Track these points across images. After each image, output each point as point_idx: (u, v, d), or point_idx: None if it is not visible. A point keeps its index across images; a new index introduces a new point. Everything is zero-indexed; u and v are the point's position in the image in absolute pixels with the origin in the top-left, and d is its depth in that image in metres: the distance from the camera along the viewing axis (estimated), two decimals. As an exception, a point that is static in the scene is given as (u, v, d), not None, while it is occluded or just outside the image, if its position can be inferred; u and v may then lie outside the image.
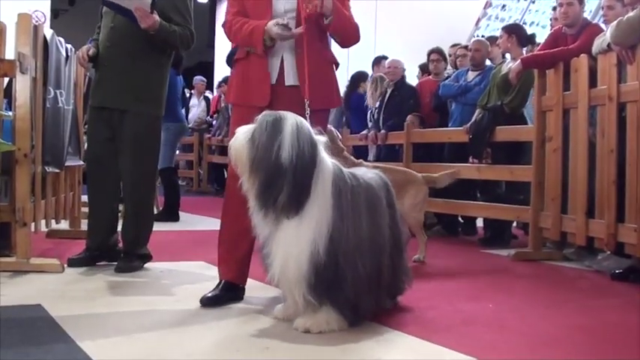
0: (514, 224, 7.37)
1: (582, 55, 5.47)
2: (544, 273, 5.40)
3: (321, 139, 3.08)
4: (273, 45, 3.70)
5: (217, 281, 3.86)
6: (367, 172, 3.45)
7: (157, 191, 8.85)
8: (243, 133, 3.04)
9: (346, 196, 3.06)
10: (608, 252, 5.36)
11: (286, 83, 3.78)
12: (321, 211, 2.98)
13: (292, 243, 2.98)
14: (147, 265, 4.90)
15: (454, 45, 9.08)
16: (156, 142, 5.00)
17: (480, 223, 7.75)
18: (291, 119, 3.01)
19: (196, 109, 14.20)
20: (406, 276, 3.69)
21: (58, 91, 5.39)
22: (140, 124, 4.80)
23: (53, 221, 5.85)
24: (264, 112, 3.08)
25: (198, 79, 14.31)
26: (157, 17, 4.65)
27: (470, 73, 7.64)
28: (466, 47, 8.26)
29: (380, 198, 3.33)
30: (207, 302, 3.69)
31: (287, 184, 2.92)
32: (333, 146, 5.16)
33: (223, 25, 3.95)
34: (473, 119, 6.92)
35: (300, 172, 2.93)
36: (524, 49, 7.10)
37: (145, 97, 4.83)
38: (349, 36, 3.89)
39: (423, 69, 9.51)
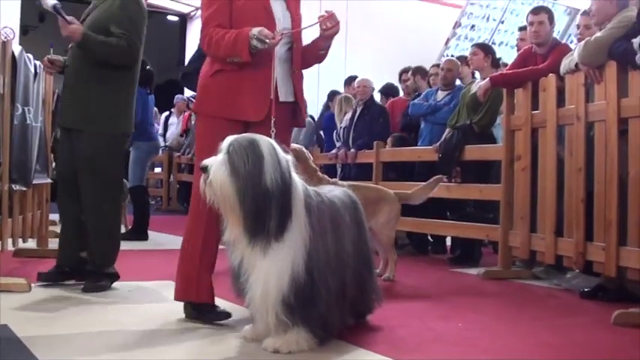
0: (485, 241, 7.38)
1: (550, 74, 5.52)
2: (513, 291, 5.41)
3: (290, 158, 3.05)
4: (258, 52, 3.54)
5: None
6: (333, 190, 3.45)
7: (124, 209, 8.86)
8: (219, 166, 2.91)
9: (314, 213, 3.05)
10: (577, 270, 5.39)
11: (280, 99, 3.73)
12: (299, 230, 2.96)
13: (274, 264, 2.94)
14: (115, 284, 4.85)
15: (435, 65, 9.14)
16: (114, 160, 4.89)
17: (449, 241, 7.77)
18: (265, 142, 2.96)
19: (175, 127, 14.14)
20: (376, 294, 3.69)
21: (26, 108, 5.33)
22: (95, 143, 4.74)
23: (20, 240, 5.78)
24: (234, 137, 2.98)
25: (179, 98, 14.24)
26: (75, 26, 4.59)
27: (439, 92, 7.70)
28: (438, 66, 8.30)
29: (343, 215, 3.32)
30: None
31: (274, 210, 2.88)
32: (306, 166, 5.16)
33: (201, 39, 3.76)
34: (442, 138, 6.94)
35: (283, 196, 2.90)
36: (493, 69, 7.17)
37: (100, 117, 4.75)
38: (324, 57, 3.97)
39: (384, 92, 9.57)
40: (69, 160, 4.86)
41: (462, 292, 5.30)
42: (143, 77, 8.59)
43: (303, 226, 2.97)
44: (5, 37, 5.19)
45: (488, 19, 14.58)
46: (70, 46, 4.86)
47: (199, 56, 5.92)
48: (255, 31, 3.47)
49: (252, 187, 2.87)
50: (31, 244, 6.38)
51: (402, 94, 9.52)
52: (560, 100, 5.39)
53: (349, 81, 10.30)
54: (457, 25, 14.22)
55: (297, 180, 3.05)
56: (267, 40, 3.46)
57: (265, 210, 2.87)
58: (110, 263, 4.90)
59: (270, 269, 2.94)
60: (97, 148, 4.74)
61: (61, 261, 4.92)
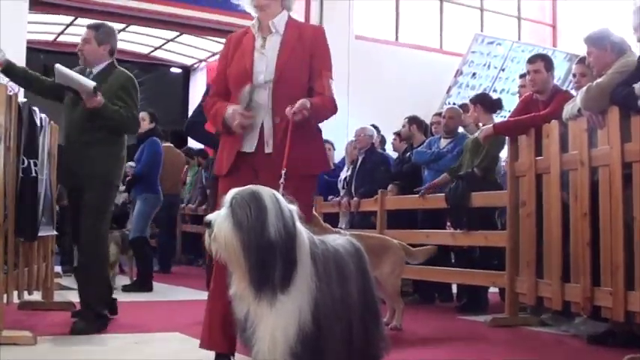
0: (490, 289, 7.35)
1: (553, 120, 5.55)
2: (521, 339, 5.38)
3: (294, 208, 3.05)
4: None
5: (192, 352, 3.81)
6: (337, 239, 3.43)
7: (128, 261, 8.86)
8: (223, 220, 2.89)
9: (320, 262, 3.03)
10: (585, 316, 5.35)
11: (265, 151, 3.83)
12: (305, 280, 2.93)
13: (281, 316, 2.91)
14: (121, 335, 4.84)
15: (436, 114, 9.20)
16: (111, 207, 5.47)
17: (455, 288, 7.73)
18: (268, 193, 2.95)
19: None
20: (383, 342, 3.65)
21: (32, 161, 5.35)
22: (102, 193, 5.27)
23: (26, 292, 5.76)
24: (237, 190, 2.96)
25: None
26: (100, 98, 5.05)
27: (442, 140, 7.73)
28: (440, 114, 8.35)
29: (348, 263, 3.29)
30: None
31: (279, 262, 2.86)
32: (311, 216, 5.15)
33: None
34: (430, 183, 7.00)
35: (287, 247, 2.87)
36: (494, 115, 7.22)
37: (108, 171, 5.30)
38: (325, 117, 3.96)
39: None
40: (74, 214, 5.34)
41: (469, 340, 5.27)
42: (157, 131, 8.74)
43: (309, 275, 2.95)
44: (10, 91, 5.24)
45: (489, 66, 14.66)
46: (69, 118, 5.32)
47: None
48: (227, 114, 3.77)
49: (257, 240, 2.84)
50: (37, 296, 6.36)
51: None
52: (564, 146, 5.41)
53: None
54: (459, 73, 14.30)
55: (302, 230, 3.03)
56: (232, 127, 3.77)
57: (270, 262, 2.85)
58: (105, 302, 5.26)
59: (277, 321, 2.91)
60: (104, 198, 5.27)
61: None
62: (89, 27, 5.45)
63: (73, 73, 5.12)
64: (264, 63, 3.89)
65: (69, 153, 5.38)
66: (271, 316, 2.91)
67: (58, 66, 5.12)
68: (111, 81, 5.33)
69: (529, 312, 6.20)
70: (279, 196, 2.98)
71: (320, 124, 4.03)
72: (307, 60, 3.90)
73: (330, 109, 3.92)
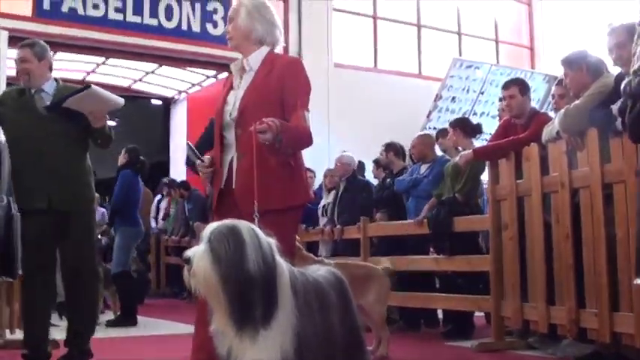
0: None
1: (533, 144, 5.56)
2: (508, 363, 5.36)
3: (272, 241, 3.01)
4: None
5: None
6: (318, 269, 3.40)
7: (111, 295, 8.80)
8: (201, 256, 2.85)
9: (301, 294, 3.00)
10: (571, 338, 5.34)
11: (234, 186, 3.86)
12: (286, 313, 2.89)
13: (263, 351, 2.86)
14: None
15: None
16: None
17: (440, 314, 7.71)
18: (245, 227, 2.92)
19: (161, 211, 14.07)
20: (369, 373, 3.62)
21: (10, 198, 5.30)
22: (89, 217, 5.16)
23: (7, 331, 5.70)
24: (215, 225, 2.93)
25: (164, 182, 14.16)
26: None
27: (423, 166, 7.74)
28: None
29: (329, 294, 3.26)
30: None
31: (259, 296, 2.82)
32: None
33: None
34: (424, 211, 6.96)
35: (267, 280, 2.84)
36: (473, 139, 7.24)
37: (87, 191, 5.15)
38: (299, 147, 3.91)
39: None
40: (44, 242, 4.89)
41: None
42: (135, 164, 8.68)
43: (290, 309, 2.92)
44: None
45: (468, 90, 14.72)
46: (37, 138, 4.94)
47: (204, 140, 6.05)
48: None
49: (236, 274, 2.80)
50: (19, 335, 6.27)
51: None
52: (544, 168, 5.42)
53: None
54: (438, 97, 14.34)
55: (282, 262, 2.99)
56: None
57: (250, 296, 2.82)
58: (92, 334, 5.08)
59: (259, 356, 2.88)
60: (91, 221, 5.14)
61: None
62: (22, 46, 5.12)
63: (104, 92, 4.96)
64: (233, 101, 3.91)
65: (42, 172, 4.94)
66: (253, 351, 2.88)
67: (94, 88, 4.88)
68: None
69: (515, 335, 6.18)
70: (257, 229, 2.95)
71: (300, 153, 3.99)
72: (277, 94, 3.82)
73: (305, 138, 3.83)
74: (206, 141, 5.31)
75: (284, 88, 3.83)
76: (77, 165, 5.05)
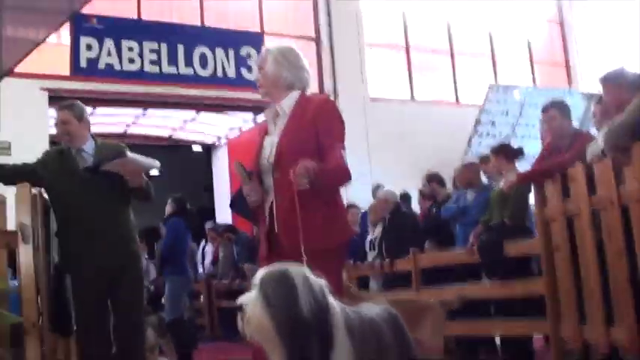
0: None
1: (577, 164, 5.50)
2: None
3: (323, 283, 3.00)
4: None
5: None
6: (372, 308, 3.37)
7: (167, 344, 8.82)
8: (254, 302, 2.86)
9: (357, 335, 2.97)
10: (634, 357, 5.22)
11: (276, 230, 3.86)
12: (342, 355, 2.88)
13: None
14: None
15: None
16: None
17: (498, 340, 7.59)
18: (296, 271, 2.91)
19: (207, 254, 14.13)
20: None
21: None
22: (139, 272, 5.26)
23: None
24: (265, 270, 2.94)
25: (209, 226, 14.22)
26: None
27: (469, 193, 7.68)
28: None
29: (385, 332, 3.24)
30: None
31: (314, 339, 2.81)
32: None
33: None
34: (472, 238, 6.90)
35: (321, 323, 2.82)
36: (516, 163, 7.18)
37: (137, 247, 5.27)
38: (337, 185, 3.95)
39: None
40: (95, 301, 4.97)
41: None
42: (182, 213, 8.76)
43: (346, 350, 2.90)
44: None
45: (507, 113, 14.65)
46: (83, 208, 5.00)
47: None
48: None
49: (289, 318, 2.80)
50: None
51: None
52: (591, 188, 5.35)
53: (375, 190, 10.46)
54: (478, 122, 14.32)
55: (335, 304, 2.98)
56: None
57: (305, 340, 2.80)
58: None
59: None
60: (139, 275, 5.21)
61: None
62: (62, 108, 5.22)
63: (138, 157, 5.05)
64: (270, 147, 3.93)
65: (87, 234, 4.96)
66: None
67: (129, 154, 4.98)
68: (111, 155, 5.08)
69: (577, 358, 6.05)
70: (307, 272, 2.94)
71: (343, 190, 3.98)
72: (312, 136, 3.83)
73: (343, 175, 3.84)
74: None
75: (318, 129, 3.83)
76: (121, 222, 5.12)
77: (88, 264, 4.92)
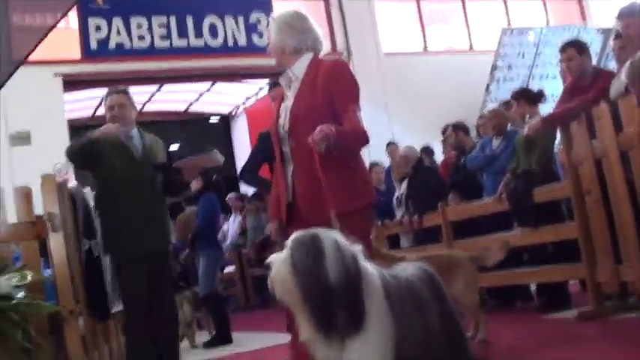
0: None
1: (602, 102, 5.41)
2: (613, 330, 5.23)
3: (357, 249, 2.98)
4: None
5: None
6: (407, 269, 3.34)
7: (204, 318, 8.89)
8: (282, 263, 2.88)
9: (395, 299, 2.95)
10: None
11: (295, 200, 3.91)
12: (380, 322, 2.85)
13: (361, 358, 2.84)
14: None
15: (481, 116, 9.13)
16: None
17: (533, 286, 7.56)
18: (327, 236, 2.89)
19: (232, 225, 14.16)
20: (473, 364, 3.56)
21: (92, 242, 5.40)
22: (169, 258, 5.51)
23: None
24: (297, 234, 2.94)
25: (232, 197, 14.25)
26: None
27: (494, 140, 7.59)
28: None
29: (423, 291, 3.20)
30: None
31: (342, 306, 2.80)
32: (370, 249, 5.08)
33: None
34: (501, 186, 6.83)
35: (350, 290, 2.81)
36: (538, 106, 7.09)
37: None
38: (356, 148, 3.88)
39: (448, 145, 9.52)
40: (145, 285, 5.08)
41: (560, 341, 5.10)
42: (213, 185, 8.79)
43: (384, 315, 2.88)
44: (59, 175, 5.31)
45: (523, 55, 14.52)
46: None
47: (254, 153, 6.09)
48: None
49: (314, 285, 2.79)
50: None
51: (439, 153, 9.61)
52: (618, 126, 5.27)
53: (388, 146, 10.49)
54: (494, 68, 14.19)
55: (370, 269, 2.95)
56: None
57: (330, 308, 2.78)
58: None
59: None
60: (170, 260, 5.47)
61: None
62: (117, 92, 5.37)
63: (216, 154, 5.26)
64: (284, 113, 3.91)
65: (141, 220, 5.12)
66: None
67: (214, 153, 5.24)
68: (152, 146, 5.37)
69: (615, 299, 6.01)
70: (339, 238, 2.92)
71: (364, 149, 3.94)
72: (325, 100, 3.79)
73: (360, 137, 3.80)
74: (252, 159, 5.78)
75: (331, 93, 3.79)
76: (163, 208, 5.33)
77: (138, 249, 5.05)
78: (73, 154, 5.07)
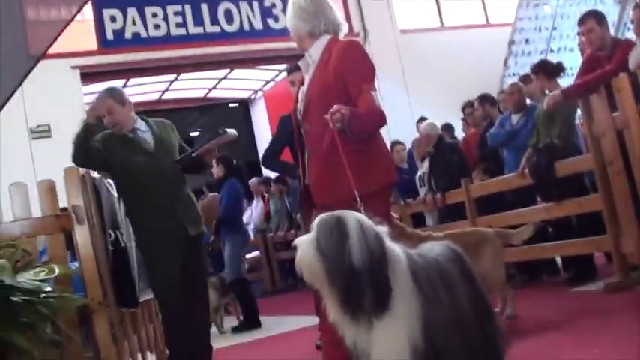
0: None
1: (621, 73, 5.37)
2: (640, 300, 5.21)
3: (382, 230, 2.98)
4: None
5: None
6: (434, 248, 3.34)
7: (232, 303, 8.94)
8: (307, 245, 2.89)
9: (422, 279, 2.96)
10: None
11: (306, 182, 3.95)
12: (408, 301, 2.86)
13: (390, 341, 2.85)
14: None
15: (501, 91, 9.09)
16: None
17: (559, 260, 7.55)
18: (351, 218, 2.89)
19: (255, 210, 14.19)
20: (502, 340, 3.56)
21: (117, 232, 5.44)
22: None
23: (140, 357, 5.82)
24: (323, 216, 2.95)
25: (255, 182, 14.28)
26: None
27: (513, 116, 7.54)
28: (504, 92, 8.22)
29: (450, 271, 3.19)
30: None
31: (367, 287, 2.81)
32: (394, 229, 5.06)
33: None
34: (523, 162, 6.78)
35: (376, 271, 2.82)
36: (557, 79, 7.04)
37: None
38: (373, 129, 3.79)
39: (465, 121, 9.48)
40: (180, 268, 5.08)
41: (588, 313, 5.12)
42: (235, 171, 8.82)
43: (411, 296, 2.88)
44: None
45: (540, 29, 14.42)
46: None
47: (275, 139, 6.11)
48: None
49: (339, 266, 2.80)
50: (152, 359, 6.42)
51: (460, 130, 9.61)
52: (638, 96, 5.23)
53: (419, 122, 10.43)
54: (511, 43, 14.10)
55: (396, 250, 2.95)
56: None
57: (356, 289, 2.80)
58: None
59: (387, 346, 2.86)
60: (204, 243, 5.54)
61: None
62: (104, 96, 5.18)
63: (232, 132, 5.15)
64: (302, 96, 3.91)
65: (172, 206, 5.11)
66: (377, 341, 2.86)
67: (230, 132, 5.11)
68: (162, 133, 5.27)
69: (641, 270, 6.00)
70: (364, 220, 2.92)
71: (386, 128, 3.90)
72: (338, 82, 3.74)
73: (376, 119, 3.73)
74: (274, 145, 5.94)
75: (344, 74, 3.74)
76: (187, 193, 5.27)
77: (168, 238, 5.04)
78: (77, 158, 5.03)
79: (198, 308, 5.24)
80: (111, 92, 5.22)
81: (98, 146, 5.03)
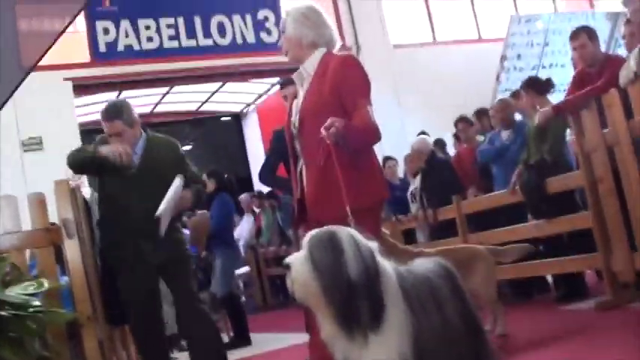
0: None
1: (612, 90, 5.38)
2: (633, 319, 5.19)
3: (373, 245, 2.97)
4: None
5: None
6: (423, 264, 3.33)
7: (223, 319, 8.89)
8: (301, 264, 2.85)
9: (412, 295, 2.94)
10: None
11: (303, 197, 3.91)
12: (398, 317, 2.85)
13: (382, 357, 2.84)
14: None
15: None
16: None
17: (549, 278, 7.53)
18: (344, 233, 2.89)
19: (245, 225, 14.12)
20: (493, 357, 3.54)
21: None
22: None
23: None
24: (314, 232, 2.92)
25: (245, 197, 14.17)
26: (189, 195, 5.08)
27: (503, 132, 7.55)
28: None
29: (440, 287, 3.18)
30: None
31: (364, 303, 2.80)
32: (385, 245, 5.04)
33: None
34: (514, 178, 6.78)
35: (371, 286, 2.81)
36: (547, 95, 7.05)
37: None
38: (366, 144, 3.78)
39: (457, 137, 9.49)
40: (150, 296, 4.99)
41: (579, 332, 5.10)
42: (226, 185, 8.78)
43: (402, 311, 2.87)
44: (72, 180, 5.31)
45: (532, 45, 14.46)
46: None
47: (269, 155, 6.09)
48: None
49: (335, 282, 2.78)
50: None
51: (451, 145, 9.68)
52: (629, 113, 5.24)
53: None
54: (504, 58, 14.13)
55: (386, 265, 2.95)
56: None
57: (353, 303, 2.79)
58: None
59: (377, 360, 2.85)
60: (189, 262, 5.28)
61: None
62: (113, 118, 4.95)
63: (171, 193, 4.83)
64: (296, 111, 3.90)
65: (141, 232, 4.86)
66: (369, 356, 2.84)
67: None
68: (162, 152, 5.06)
69: (633, 288, 5.97)
70: (356, 234, 2.91)
71: (379, 144, 3.88)
72: (334, 96, 3.73)
73: (370, 133, 3.71)
74: (273, 156, 5.91)
75: (340, 89, 3.73)
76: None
77: (136, 263, 4.87)
78: (74, 165, 4.97)
79: (197, 328, 5.04)
80: (118, 113, 4.97)
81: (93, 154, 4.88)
